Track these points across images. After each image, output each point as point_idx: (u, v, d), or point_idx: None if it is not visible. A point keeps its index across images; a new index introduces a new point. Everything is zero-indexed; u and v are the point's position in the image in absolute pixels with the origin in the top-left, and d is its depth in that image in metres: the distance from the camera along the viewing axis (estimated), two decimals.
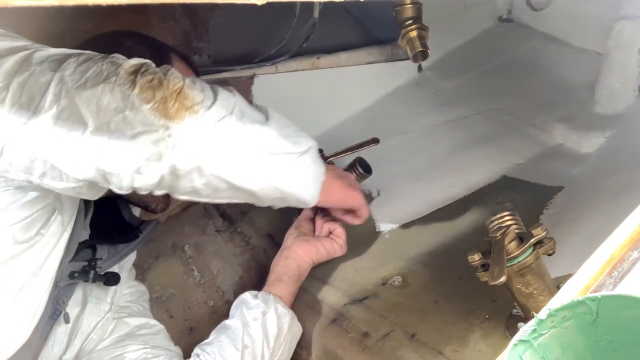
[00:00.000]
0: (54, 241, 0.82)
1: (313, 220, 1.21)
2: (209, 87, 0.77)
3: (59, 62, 0.70)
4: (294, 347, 1.07)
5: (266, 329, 1.01)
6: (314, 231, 1.20)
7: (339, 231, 1.18)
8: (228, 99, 0.77)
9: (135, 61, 0.73)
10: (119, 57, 0.74)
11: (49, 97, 0.69)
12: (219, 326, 1.04)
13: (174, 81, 0.72)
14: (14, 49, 0.71)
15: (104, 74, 0.70)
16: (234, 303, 1.07)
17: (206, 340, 1.02)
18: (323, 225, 1.19)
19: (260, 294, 1.07)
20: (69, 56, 0.71)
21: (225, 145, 0.76)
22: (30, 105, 0.69)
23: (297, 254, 1.13)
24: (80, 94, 0.69)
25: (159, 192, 0.77)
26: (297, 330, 1.08)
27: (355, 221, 1.13)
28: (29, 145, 0.69)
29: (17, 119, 0.68)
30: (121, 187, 0.74)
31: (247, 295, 1.06)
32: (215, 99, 0.75)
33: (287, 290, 1.10)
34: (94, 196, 0.80)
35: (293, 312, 1.07)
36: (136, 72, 0.71)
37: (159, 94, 0.71)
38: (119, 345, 1.00)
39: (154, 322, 1.08)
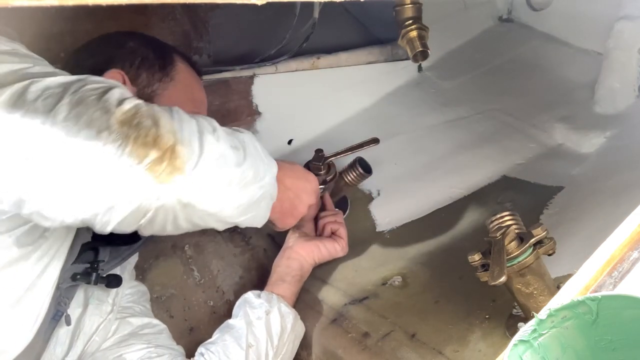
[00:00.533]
0: (58, 243, 0.82)
1: (315, 220, 1.21)
2: (196, 133, 0.76)
3: (53, 101, 0.68)
4: (298, 345, 1.08)
5: (270, 328, 1.02)
6: (316, 231, 1.20)
7: (342, 232, 1.19)
8: (211, 144, 0.77)
9: (128, 107, 0.71)
10: (112, 100, 0.71)
11: (41, 142, 0.68)
12: (222, 325, 1.04)
13: (167, 137, 0.72)
14: (13, 73, 0.70)
15: (96, 126, 0.69)
16: (237, 303, 1.07)
17: (210, 340, 1.02)
18: (325, 226, 1.19)
19: (264, 293, 1.07)
20: (64, 92, 0.69)
21: (207, 192, 0.77)
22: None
23: (299, 254, 1.14)
24: (71, 143, 0.68)
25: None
26: (300, 329, 1.08)
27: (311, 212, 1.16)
28: (20, 185, 0.69)
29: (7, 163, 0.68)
30: (101, 231, 0.75)
31: (250, 295, 1.07)
32: (201, 153, 0.75)
33: (290, 290, 1.10)
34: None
35: (296, 311, 1.08)
36: (128, 123, 0.70)
37: (152, 153, 0.71)
38: (123, 344, 1.00)
39: (156, 321, 1.08)
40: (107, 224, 0.73)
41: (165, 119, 0.73)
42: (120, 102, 0.71)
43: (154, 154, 0.70)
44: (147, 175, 0.70)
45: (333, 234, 1.19)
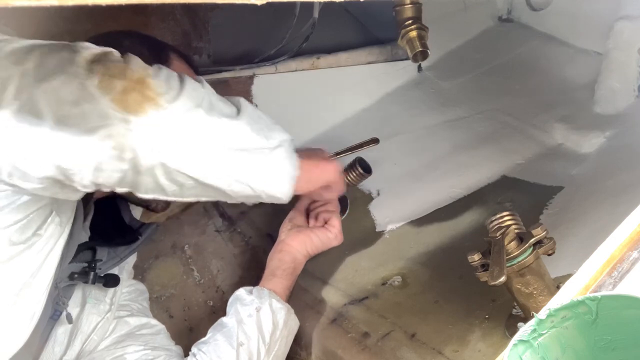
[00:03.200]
0: (52, 242, 0.81)
1: (306, 212, 1.20)
2: (176, 76, 0.73)
3: (22, 55, 0.67)
4: (291, 341, 1.07)
5: (261, 325, 1.01)
6: (308, 222, 1.19)
7: (334, 220, 1.17)
8: (196, 90, 0.73)
9: (97, 50, 0.69)
10: (82, 45, 0.69)
11: (11, 92, 0.66)
12: (215, 324, 1.04)
13: (136, 70, 0.69)
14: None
15: (63, 64, 0.67)
16: (230, 299, 1.06)
17: (203, 339, 1.01)
18: (317, 215, 1.18)
19: (255, 289, 1.06)
20: (33, 48, 0.68)
21: (191, 140, 0.72)
22: None
23: (290, 247, 1.12)
24: (39, 86, 0.66)
25: (120, 190, 0.74)
26: (294, 324, 1.07)
27: (330, 195, 1.09)
28: None
29: None
30: (83, 185, 0.71)
31: (241, 292, 1.05)
32: (181, 90, 0.71)
33: (282, 284, 1.08)
34: (71, 196, 0.76)
35: (289, 306, 1.06)
36: (97, 60, 0.68)
37: (119, 84, 0.67)
38: (120, 345, 1.00)
39: (154, 322, 1.08)
40: (85, 171, 0.68)
41: (137, 60, 0.70)
42: (88, 47, 0.69)
43: (121, 84, 0.67)
44: (115, 106, 0.66)
45: (325, 223, 1.17)
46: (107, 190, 0.74)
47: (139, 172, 0.71)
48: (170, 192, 0.75)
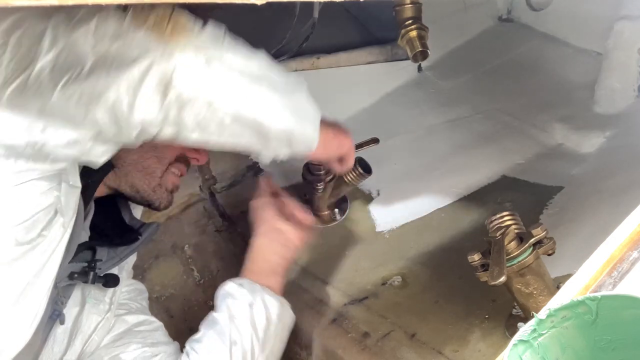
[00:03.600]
0: (55, 243, 0.81)
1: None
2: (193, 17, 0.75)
3: (50, 11, 0.67)
4: (288, 335, 1.04)
5: (254, 322, 0.98)
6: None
7: (307, 220, 1.11)
8: (217, 25, 0.75)
9: None
10: None
11: (47, 41, 0.66)
12: (207, 319, 1.01)
13: (163, 7, 0.70)
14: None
15: (94, 10, 0.68)
16: (219, 292, 1.02)
17: (195, 336, 0.99)
18: (291, 207, 1.10)
19: (246, 282, 1.02)
20: (61, 7, 0.67)
21: (228, 67, 0.73)
22: (28, 54, 0.66)
23: (295, 245, 1.07)
24: (76, 31, 0.66)
25: (167, 131, 0.73)
26: (289, 318, 1.04)
27: (341, 168, 1.06)
28: (29, 97, 0.67)
29: (14, 72, 0.66)
30: (129, 123, 0.70)
31: (232, 286, 1.01)
32: (205, 25, 0.73)
33: (280, 282, 1.05)
34: (102, 155, 0.75)
35: (284, 299, 1.03)
36: (125, 6, 0.69)
37: (151, 17, 0.69)
38: (118, 343, 1.00)
39: (152, 319, 1.08)
40: (129, 109, 0.68)
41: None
42: None
43: (153, 17, 0.69)
44: (152, 35, 0.68)
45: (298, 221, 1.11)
46: (151, 135, 0.74)
47: (182, 104, 0.71)
48: (212, 131, 0.75)
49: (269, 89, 0.78)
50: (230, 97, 0.74)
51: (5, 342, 0.79)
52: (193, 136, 0.74)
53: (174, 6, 0.72)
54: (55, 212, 0.79)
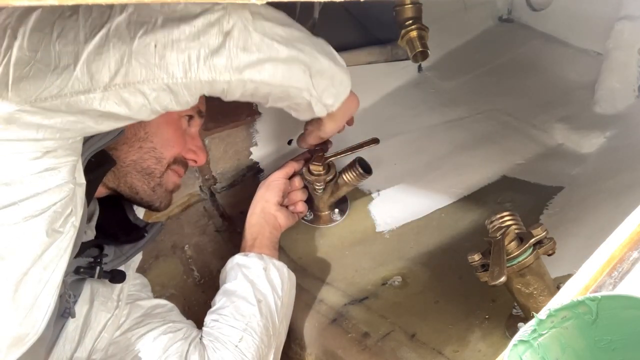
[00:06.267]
0: (67, 240, 0.82)
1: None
2: None
3: None
4: (294, 295, 1.12)
5: (272, 281, 1.06)
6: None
7: (302, 213, 1.25)
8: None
9: None
10: None
11: (117, 7, 0.75)
12: (222, 291, 1.07)
13: None
14: None
15: None
16: (228, 266, 1.10)
17: (217, 306, 1.04)
18: (294, 197, 1.22)
19: (252, 253, 1.11)
20: None
21: (266, 16, 0.85)
22: (102, 17, 0.74)
23: (281, 227, 1.19)
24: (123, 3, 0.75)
25: (233, 78, 0.82)
26: (293, 278, 1.12)
27: (341, 129, 1.17)
28: (110, 47, 0.74)
29: (92, 31, 0.74)
30: (199, 68, 0.79)
31: (240, 258, 1.10)
32: None
33: (276, 257, 1.15)
34: (164, 107, 0.83)
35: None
36: None
37: None
38: (141, 324, 1.02)
39: (164, 301, 1.10)
40: (200, 51, 0.78)
41: None
42: None
43: None
44: None
45: (297, 212, 1.23)
46: (220, 89, 0.84)
47: (243, 49, 0.82)
48: (269, 70, 0.86)
49: (301, 32, 0.91)
50: (275, 38, 0.85)
51: (17, 335, 0.79)
52: (257, 78, 0.85)
53: None
54: (70, 209, 0.80)
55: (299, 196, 1.23)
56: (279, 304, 1.05)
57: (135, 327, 1.01)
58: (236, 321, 1.01)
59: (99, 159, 0.89)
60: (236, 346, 0.99)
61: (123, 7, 0.76)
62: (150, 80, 0.77)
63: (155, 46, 0.76)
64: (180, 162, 1.05)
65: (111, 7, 0.76)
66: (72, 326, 0.94)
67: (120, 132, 0.86)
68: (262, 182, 1.23)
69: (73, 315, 0.93)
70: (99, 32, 0.74)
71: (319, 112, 0.99)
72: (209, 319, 1.04)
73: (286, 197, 1.22)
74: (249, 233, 1.16)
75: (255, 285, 1.05)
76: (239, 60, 0.82)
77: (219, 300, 1.05)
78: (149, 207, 1.06)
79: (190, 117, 1.05)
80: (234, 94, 0.87)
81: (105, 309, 0.99)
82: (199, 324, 1.05)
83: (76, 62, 0.73)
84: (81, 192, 0.83)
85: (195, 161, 1.08)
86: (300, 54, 0.89)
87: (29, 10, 0.74)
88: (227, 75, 0.82)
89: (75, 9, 0.74)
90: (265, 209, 1.17)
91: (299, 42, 0.89)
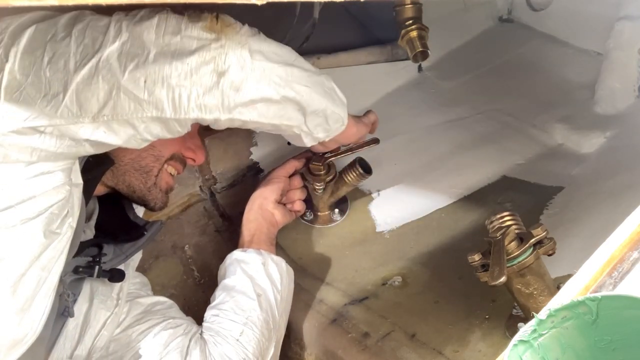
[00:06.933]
0: (65, 241, 0.82)
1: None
2: None
3: (112, 10, 0.78)
4: (292, 289, 1.12)
5: (271, 276, 1.07)
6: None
7: (300, 212, 1.25)
8: (250, 27, 0.86)
9: None
10: None
11: (111, 34, 0.75)
12: (221, 287, 1.07)
13: (208, 12, 0.81)
14: (60, 13, 0.77)
15: (154, 12, 0.78)
16: (227, 262, 1.10)
17: (216, 302, 1.04)
18: (292, 196, 1.23)
19: (249, 250, 1.11)
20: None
21: (266, 57, 0.84)
22: (94, 44, 0.75)
23: (279, 224, 1.20)
24: (139, 25, 0.76)
25: (222, 117, 0.82)
26: (291, 273, 1.12)
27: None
28: (100, 79, 0.74)
29: (82, 59, 0.74)
30: (187, 106, 0.79)
31: (238, 254, 1.10)
32: (241, 24, 0.84)
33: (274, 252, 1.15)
34: (153, 137, 0.83)
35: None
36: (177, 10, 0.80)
37: (203, 17, 0.80)
38: (141, 321, 1.02)
39: (164, 299, 1.10)
40: (191, 88, 0.78)
41: None
42: None
43: (205, 16, 0.80)
44: (207, 30, 0.79)
45: (295, 211, 1.24)
46: (207, 121, 0.84)
47: (235, 90, 0.81)
48: (261, 110, 0.86)
49: (301, 71, 0.89)
50: (272, 80, 0.85)
51: (16, 336, 0.79)
52: (246, 118, 0.85)
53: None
54: (67, 211, 0.81)
55: (298, 195, 1.23)
56: (279, 297, 1.06)
57: (136, 324, 1.02)
58: (236, 315, 1.01)
59: (97, 159, 0.89)
60: (237, 340, 0.99)
61: (118, 33, 0.75)
62: (139, 113, 0.77)
63: (145, 82, 0.76)
64: (179, 159, 1.05)
65: (104, 32, 0.75)
66: (72, 325, 0.94)
67: None
68: (262, 178, 1.23)
69: (72, 315, 0.93)
70: (89, 61, 0.74)
71: (309, 143, 1.00)
72: (209, 314, 1.04)
73: (285, 195, 1.22)
74: (246, 229, 1.16)
75: (254, 280, 1.05)
76: (231, 100, 0.82)
77: (219, 295, 1.06)
78: (145, 206, 1.06)
79: None
80: (222, 127, 0.87)
81: (104, 307, 0.99)
82: (199, 323, 1.05)
83: (65, 90, 0.73)
84: (78, 192, 0.83)
85: (194, 160, 1.08)
86: (297, 95, 0.88)
87: (22, 27, 0.74)
88: (216, 114, 0.82)
89: (68, 31, 0.74)
90: (263, 206, 1.18)
91: (298, 84, 0.88)
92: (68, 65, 0.73)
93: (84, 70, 0.74)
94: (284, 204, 1.22)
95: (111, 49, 0.75)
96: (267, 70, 0.83)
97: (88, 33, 0.75)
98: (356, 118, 1.12)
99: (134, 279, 1.12)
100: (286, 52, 0.89)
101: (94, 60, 0.74)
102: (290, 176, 1.23)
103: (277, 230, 1.20)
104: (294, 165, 1.23)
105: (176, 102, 0.78)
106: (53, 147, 0.75)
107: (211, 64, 0.78)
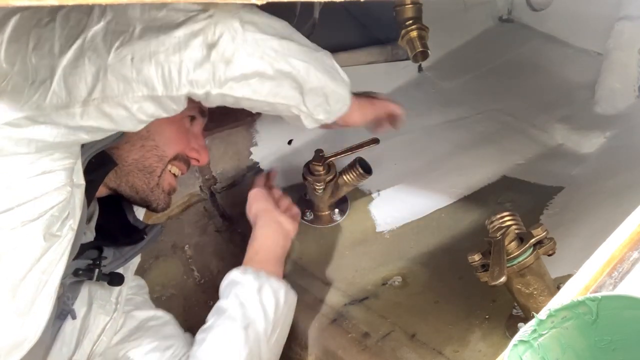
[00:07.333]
0: (66, 243, 0.82)
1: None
2: None
3: None
4: (292, 317, 1.08)
5: (264, 305, 1.01)
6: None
7: (298, 216, 1.22)
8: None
9: None
10: None
11: (95, 13, 0.72)
12: (214, 309, 1.03)
13: None
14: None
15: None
16: (224, 282, 1.06)
17: (206, 325, 1.02)
18: (285, 203, 1.21)
19: (250, 269, 1.06)
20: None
21: (258, 28, 0.78)
22: (78, 25, 0.71)
23: (290, 236, 1.16)
24: (123, 3, 0.72)
25: (213, 91, 0.78)
26: (293, 300, 1.08)
27: (383, 128, 1.14)
28: (86, 60, 0.71)
29: (67, 42, 0.71)
30: (178, 81, 0.75)
31: (236, 274, 1.05)
32: None
33: (282, 271, 1.11)
34: (149, 116, 0.79)
35: (285, 281, 1.08)
36: None
37: None
38: (131, 339, 1.01)
39: (160, 313, 1.09)
40: (181, 62, 0.74)
41: None
42: None
43: None
44: (193, 2, 0.74)
45: (293, 215, 1.21)
46: (198, 97, 0.79)
47: (226, 63, 0.76)
48: (253, 85, 0.80)
49: (298, 45, 0.83)
50: (266, 53, 0.79)
51: (17, 339, 0.79)
52: (238, 94, 0.79)
53: None
54: (67, 212, 0.80)
55: (287, 201, 1.22)
56: (269, 329, 1.01)
57: (125, 341, 1.01)
58: (221, 345, 0.98)
59: (99, 160, 0.88)
60: None
61: (102, 13, 0.72)
62: (129, 94, 0.74)
63: (132, 59, 0.72)
64: (183, 159, 1.05)
65: (89, 13, 0.72)
66: (69, 328, 0.94)
67: (121, 134, 0.85)
68: (248, 204, 1.20)
69: (74, 317, 0.93)
70: (74, 43, 0.71)
71: (309, 125, 0.93)
72: (199, 337, 1.01)
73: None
74: (251, 246, 1.12)
75: (245, 307, 1.01)
76: (222, 73, 0.77)
77: (210, 318, 1.03)
78: (148, 207, 1.05)
79: (193, 118, 1.04)
80: (214, 103, 0.82)
81: (104, 311, 0.99)
82: (199, 324, 1.05)
83: (52, 76, 0.71)
84: (80, 193, 0.83)
85: (198, 160, 1.07)
86: (293, 71, 0.82)
87: (7, 16, 0.72)
88: (207, 88, 0.77)
89: (53, 15, 0.72)
90: (270, 217, 1.15)
91: (294, 58, 0.82)
92: (53, 50, 0.71)
93: (69, 54, 0.71)
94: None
95: (96, 28, 0.71)
96: (260, 42, 0.78)
97: (72, 15, 0.72)
98: (365, 99, 1.05)
99: (131, 283, 1.11)
100: (282, 26, 0.83)
101: (78, 42, 0.71)
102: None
103: (289, 241, 1.16)
104: (260, 179, 1.24)
105: (166, 79, 0.74)
106: (49, 136, 0.73)
107: (200, 36, 0.74)
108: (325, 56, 0.90)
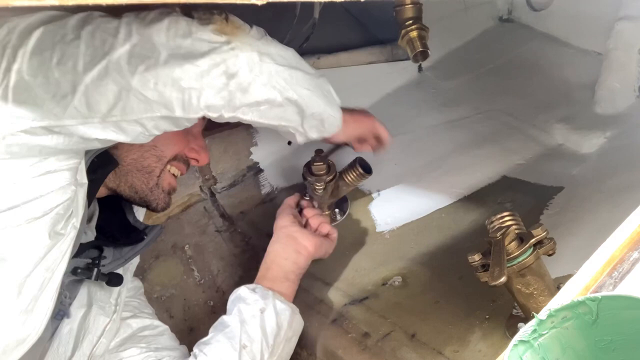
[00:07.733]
0: (69, 241, 0.82)
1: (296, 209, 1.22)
2: None
3: (121, 12, 0.78)
4: (296, 342, 1.05)
5: (265, 327, 0.99)
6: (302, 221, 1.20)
7: (335, 234, 1.19)
8: (258, 28, 0.87)
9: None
10: None
11: (121, 36, 0.75)
12: (217, 322, 1.02)
13: (218, 13, 0.82)
14: (68, 13, 0.77)
15: (164, 14, 0.78)
16: (232, 297, 1.05)
17: (204, 339, 1.00)
18: (320, 226, 1.18)
19: (259, 288, 1.04)
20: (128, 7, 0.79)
21: (273, 59, 0.85)
22: (103, 46, 0.75)
23: (308, 251, 1.11)
24: (150, 28, 0.76)
25: (226, 115, 0.84)
26: (298, 325, 1.06)
27: (364, 148, 1.17)
28: (109, 80, 0.74)
29: (92, 60, 0.74)
30: (196, 106, 0.80)
31: (244, 290, 1.04)
32: (251, 25, 0.86)
33: (292, 288, 1.08)
34: (182, 127, 0.85)
35: (294, 306, 1.05)
36: (186, 12, 0.81)
37: (213, 19, 0.81)
38: (122, 349, 1.00)
39: (157, 322, 1.08)
40: (202, 89, 0.79)
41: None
42: None
43: (214, 18, 0.81)
44: (217, 32, 0.80)
45: (327, 235, 1.18)
46: (210, 117, 0.85)
47: (243, 91, 0.83)
48: (263, 109, 0.87)
49: (304, 74, 0.91)
50: (278, 83, 0.86)
51: (20, 336, 0.79)
52: (247, 117, 0.87)
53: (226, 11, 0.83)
54: (71, 211, 0.81)
55: (318, 219, 1.19)
56: (266, 354, 0.99)
57: (116, 350, 1.00)
58: None
59: (101, 160, 0.89)
60: None
61: (127, 36, 0.76)
62: (148, 113, 0.78)
63: (156, 84, 0.76)
64: (182, 160, 1.05)
65: (114, 35, 0.76)
66: (66, 329, 0.94)
67: None
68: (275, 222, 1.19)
69: (68, 316, 0.93)
70: (99, 63, 0.74)
71: (301, 141, 0.99)
72: (196, 350, 0.99)
73: (307, 224, 1.19)
74: (263, 261, 1.11)
75: (245, 327, 0.99)
76: (238, 101, 0.83)
77: (211, 332, 1.01)
78: (147, 207, 1.05)
79: None
80: (221, 121, 0.87)
81: (103, 313, 0.99)
82: (199, 324, 1.05)
83: (74, 92, 0.73)
84: (82, 192, 0.83)
85: (197, 160, 1.07)
86: (299, 99, 0.89)
87: (30, 28, 0.74)
88: (222, 112, 0.83)
89: (77, 33, 0.75)
90: (284, 232, 1.13)
91: (300, 86, 0.89)
92: (77, 67, 0.73)
93: (94, 72, 0.74)
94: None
95: (121, 50, 0.75)
96: (273, 73, 0.85)
97: (97, 35, 0.75)
98: (350, 117, 1.08)
99: (130, 283, 1.11)
100: (291, 55, 0.90)
101: (103, 62, 0.74)
102: (300, 211, 1.22)
103: (308, 261, 1.12)
104: (293, 200, 1.23)
105: (186, 103, 0.79)
106: (62, 145, 0.76)
107: (222, 66, 0.79)
108: (325, 82, 0.97)
